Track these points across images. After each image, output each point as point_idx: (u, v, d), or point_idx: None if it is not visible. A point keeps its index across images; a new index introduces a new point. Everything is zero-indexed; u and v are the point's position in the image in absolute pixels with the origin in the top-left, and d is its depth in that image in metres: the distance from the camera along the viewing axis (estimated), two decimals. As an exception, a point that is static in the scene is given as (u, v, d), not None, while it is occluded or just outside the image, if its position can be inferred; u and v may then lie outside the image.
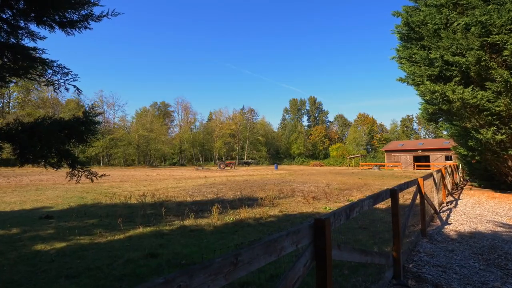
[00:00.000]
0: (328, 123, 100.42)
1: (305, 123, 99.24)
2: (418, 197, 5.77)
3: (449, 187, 11.71)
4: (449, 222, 7.04)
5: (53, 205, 9.88)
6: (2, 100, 58.65)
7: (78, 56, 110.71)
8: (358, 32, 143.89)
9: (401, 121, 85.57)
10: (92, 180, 4.29)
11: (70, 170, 4.08)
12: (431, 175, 7.64)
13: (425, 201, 6.09)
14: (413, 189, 5.87)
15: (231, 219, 7.52)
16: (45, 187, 15.75)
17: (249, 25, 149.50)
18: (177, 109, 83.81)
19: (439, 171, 9.15)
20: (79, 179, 4.22)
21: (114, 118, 70.24)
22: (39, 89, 57.78)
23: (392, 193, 4.00)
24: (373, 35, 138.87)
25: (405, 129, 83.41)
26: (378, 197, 3.60)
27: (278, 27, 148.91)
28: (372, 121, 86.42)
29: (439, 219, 7.27)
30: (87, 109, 3.93)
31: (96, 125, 3.97)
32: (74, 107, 61.10)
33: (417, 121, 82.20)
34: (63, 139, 3.41)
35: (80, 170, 4.12)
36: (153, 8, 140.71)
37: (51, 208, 9.23)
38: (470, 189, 13.97)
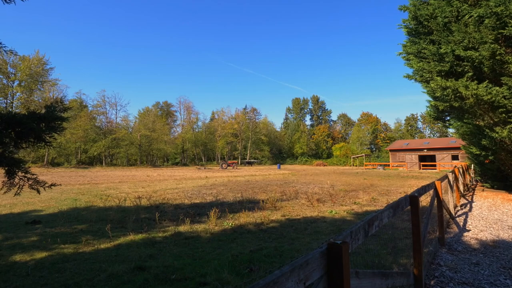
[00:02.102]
0: (331, 122, 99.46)
1: (308, 122, 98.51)
2: (435, 201, 5.22)
3: (461, 188, 11.10)
4: (467, 228, 6.45)
5: (44, 208, 9.41)
6: (5, 101, 58.51)
7: (81, 57, 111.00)
8: (361, 32, 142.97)
9: (405, 120, 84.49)
10: (38, 191, 3.72)
11: (7, 179, 3.46)
12: (446, 177, 7.06)
13: (443, 206, 5.54)
14: (429, 192, 5.32)
15: (230, 224, 7.00)
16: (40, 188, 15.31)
17: (252, 25, 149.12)
18: (180, 109, 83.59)
19: (452, 171, 8.56)
20: (20, 190, 3.63)
21: (116, 118, 69.99)
22: (41, 89, 57.81)
23: (412, 200, 3.46)
24: (376, 34, 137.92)
25: (410, 128, 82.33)
26: (397, 206, 3.07)
27: (280, 27, 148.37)
28: (376, 120, 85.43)
29: (456, 225, 6.69)
30: (53, 102, 3.34)
31: (61, 121, 3.37)
32: (77, 107, 61.02)
33: (421, 120, 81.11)
34: (10, 139, 2.85)
35: (23, 178, 3.53)
36: (155, 9, 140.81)
37: (41, 212, 8.76)
38: (483, 190, 13.32)
